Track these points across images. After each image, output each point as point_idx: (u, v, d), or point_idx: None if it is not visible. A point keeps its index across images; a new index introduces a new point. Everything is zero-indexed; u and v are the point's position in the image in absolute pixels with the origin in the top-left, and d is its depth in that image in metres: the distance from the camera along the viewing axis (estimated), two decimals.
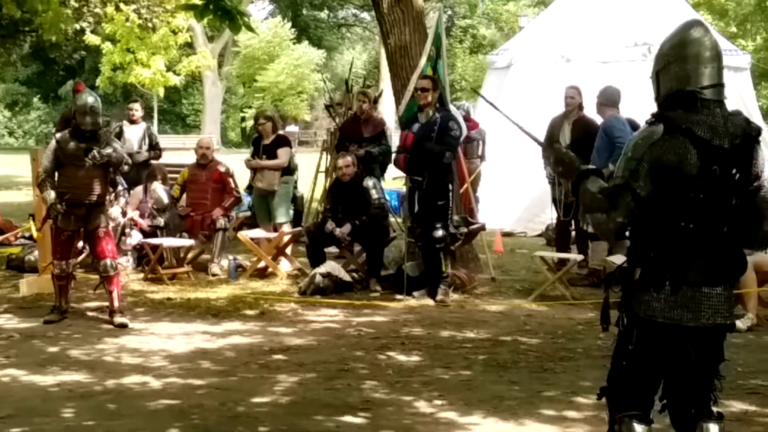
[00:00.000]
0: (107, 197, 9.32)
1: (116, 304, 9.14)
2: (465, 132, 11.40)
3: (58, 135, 9.37)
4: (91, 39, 31.57)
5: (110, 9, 30.25)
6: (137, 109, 13.96)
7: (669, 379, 4.36)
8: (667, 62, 4.27)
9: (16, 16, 24.65)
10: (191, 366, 7.55)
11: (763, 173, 4.31)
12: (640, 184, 4.11)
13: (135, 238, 12.37)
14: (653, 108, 4.29)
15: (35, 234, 11.46)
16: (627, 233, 4.28)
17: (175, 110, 62.87)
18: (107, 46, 32.15)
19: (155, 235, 12.23)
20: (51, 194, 9.08)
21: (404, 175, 11.31)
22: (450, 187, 10.49)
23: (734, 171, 4.15)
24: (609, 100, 11.41)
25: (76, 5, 29.08)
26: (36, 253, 11.56)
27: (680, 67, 4.21)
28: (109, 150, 9.08)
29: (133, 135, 13.61)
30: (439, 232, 10.33)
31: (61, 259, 9.25)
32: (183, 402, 6.59)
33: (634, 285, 4.24)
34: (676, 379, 4.35)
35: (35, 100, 62.07)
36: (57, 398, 6.66)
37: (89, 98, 9.15)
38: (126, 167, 9.41)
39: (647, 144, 4.13)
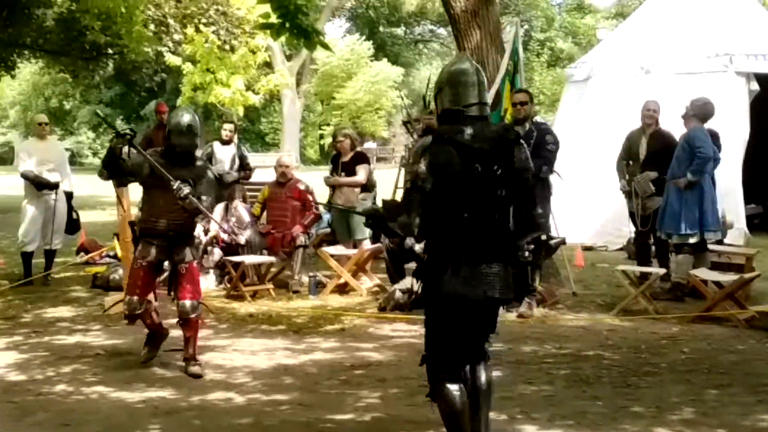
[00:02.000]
0: (195, 229, 8.39)
1: (191, 350, 8.00)
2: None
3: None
4: (171, 60, 32.00)
5: (190, 31, 30.70)
6: (230, 130, 14.16)
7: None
8: (440, 88, 5.35)
9: (99, 40, 25.14)
10: (274, 382, 7.61)
11: (531, 169, 5.37)
12: (423, 182, 5.08)
13: (216, 255, 12.52)
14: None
15: (119, 253, 11.64)
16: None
17: (255, 129, 63.46)
18: (187, 67, 32.54)
19: (237, 253, 12.36)
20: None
21: None
22: (545, 202, 10.42)
23: (495, 167, 5.12)
24: (701, 114, 11.20)
25: (156, 29, 29.62)
26: (120, 271, 11.73)
27: (449, 91, 5.29)
28: (205, 201, 7.88)
29: (225, 155, 13.80)
30: (531, 246, 10.23)
31: (134, 293, 8.00)
32: (267, 418, 6.65)
33: (428, 268, 5.24)
34: (460, 338, 5.34)
35: (118, 121, 63.19)
36: (143, 415, 6.75)
37: (186, 116, 8.01)
38: (204, 224, 8.60)
39: (421, 152, 5.17)
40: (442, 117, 5.35)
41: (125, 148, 7.73)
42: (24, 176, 12.71)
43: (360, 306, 11.16)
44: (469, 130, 5.15)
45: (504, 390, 7.33)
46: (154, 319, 8.30)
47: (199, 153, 8.28)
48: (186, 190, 7.62)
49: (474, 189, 5.10)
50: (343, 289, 12.03)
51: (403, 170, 14.13)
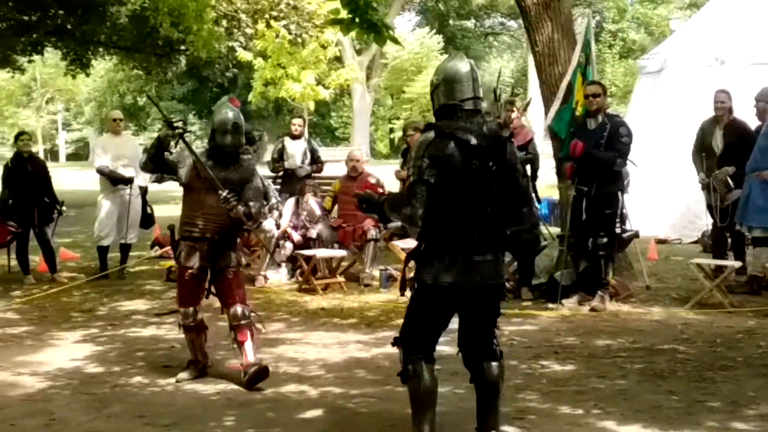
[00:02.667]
0: (240, 233, 7.84)
1: (251, 358, 7.42)
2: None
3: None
4: (243, 55, 32.22)
5: (261, 26, 30.88)
6: (300, 125, 14.27)
7: (460, 329, 5.67)
8: (436, 85, 5.57)
9: (172, 37, 25.40)
10: (347, 375, 7.64)
11: (521, 169, 5.60)
12: (428, 175, 5.26)
13: (288, 249, 12.59)
14: None
15: None
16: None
17: (325, 123, 63.72)
18: (258, 62, 32.72)
19: (308, 247, 12.43)
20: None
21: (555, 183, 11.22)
22: (619, 195, 10.35)
23: (491, 164, 5.33)
24: None
25: (227, 25, 29.87)
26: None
27: (445, 87, 5.52)
28: (253, 207, 7.45)
29: (296, 149, 13.92)
30: (604, 240, 10.19)
31: (186, 304, 7.63)
32: (339, 411, 6.68)
33: (423, 256, 5.44)
34: (465, 330, 5.65)
35: (191, 116, 63.77)
36: (217, 406, 6.82)
37: (229, 113, 7.58)
38: (254, 226, 8.03)
39: (424, 146, 5.33)
40: (439, 112, 5.55)
41: (173, 142, 7.56)
42: (99, 171, 12.90)
43: None
44: (467, 126, 5.38)
45: (577, 384, 7.29)
46: (203, 341, 7.76)
47: (246, 157, 7.72)
48: (234, 201, 7.27)
49: (470, 183, 5.33)
50: (411, 284, 12.02)
51: None
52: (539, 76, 12.22)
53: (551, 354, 8.31)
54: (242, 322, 7.47)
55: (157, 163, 7.56)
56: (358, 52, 49.12)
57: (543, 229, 12.75)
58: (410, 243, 12.50)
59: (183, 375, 7.60)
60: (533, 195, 13.08)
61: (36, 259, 13.39)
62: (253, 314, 7.57)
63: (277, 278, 12.62)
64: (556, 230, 13.47)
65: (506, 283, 11.17)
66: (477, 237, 5.36)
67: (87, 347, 8.87)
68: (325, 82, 34.77)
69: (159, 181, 9.04)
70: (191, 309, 7.61)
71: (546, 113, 11.78)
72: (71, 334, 9.47)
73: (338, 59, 39.80)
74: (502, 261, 5.58)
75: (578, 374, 7.62)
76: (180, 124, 7.57)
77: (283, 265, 12.76)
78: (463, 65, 5.58)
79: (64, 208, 13.20)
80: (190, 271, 7.47)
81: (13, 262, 13.10)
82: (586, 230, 10.34)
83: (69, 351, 8.71)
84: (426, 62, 59.47)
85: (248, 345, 7.44)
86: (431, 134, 5.39)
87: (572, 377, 7.55)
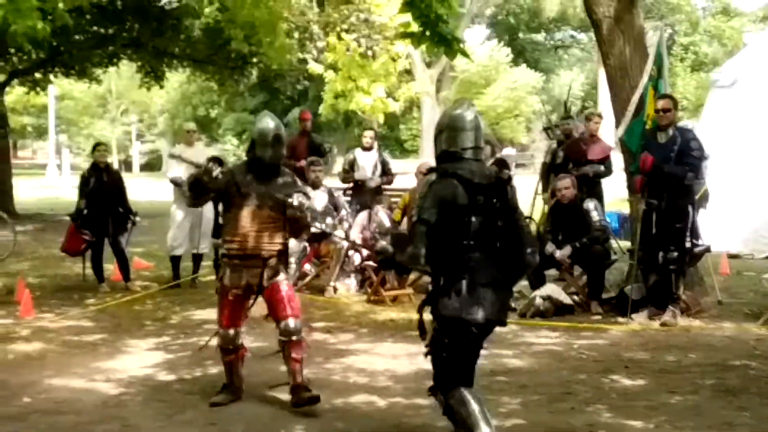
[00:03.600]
0: (287, 248, 7.42)
1: (299, 378, 7.12)
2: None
3: (230, 166, 7.51)
4: (313, 68, 32.42)
5: (332, 39, 31.04)
6: (371, 137, 14.34)
7: None
8: (440, 130, 5.71)
9: (244, 50, 25.62)
10: (416, 386, 7.62)
11: (521, 210, 5.70)
12: (428, 215, 5.40)
13: (357, 260, 12.63)
14: None
15: None
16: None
17: (394, 135, 63.81)
18: (329, 75, 32.91)
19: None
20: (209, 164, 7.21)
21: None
22: (689, 209, 10.24)
23: (495, 200, 5.49)
24: None
25: (299, 37, 30.04)
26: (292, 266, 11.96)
27: (449, 134, 5.66)
28: (309, 204, 7.26)
29: (367, 161, 13.99)
30: (675, 254, 10.09)
31: (227, 325, 7.26)
32: (408, 422, 6.69)
33: (439, 293, 5.48)
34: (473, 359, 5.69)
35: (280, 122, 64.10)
36: (287, 416, 6.85)
37: (271, 123, 7.29)
38: (304, 236, 7.89)
39: (427, 187, 5.53)
40: (440, 158, 5.70)
41: (215, 170, 7.18)
42: (173, 182, 13.05)
43: None
44: (469, 167, 5.54)
45: (647, 399, 7.23)
46: (241, 364, 7.45)
47: (287, 171, 7.51)
48: (299, 198, 7.09)
49: (477, 219, 5.45)
50: None
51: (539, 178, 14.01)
52: (611, 89, 12.14)
53: (621, 368, 8.24)
54: (294, 337, 7.11)
55: (198, 192, 7.38)
56: (428, 65, 49.13)
57: (613, 243, 12.65)
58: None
59: (217, 399, 7.26)
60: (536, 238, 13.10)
61: (110, 268, 13.58)
62: (305, 329, 7.32)
63: (346, 289, 12.67)
64: (626, 244, 13.37)
65: (575, 296, 11.20)
66: (490, 271, 5.45)
67: (159, 355, 8.98)
68: (395, 95, 34.87)
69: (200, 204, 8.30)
70: (232, 331, 7.27)
71: (617, 126, 11.69)
72: (144, 342, 9.59)
73: (408, 72, 39.90)
74: (508, 295, 5.77)
75: (648, 389, 7.55)
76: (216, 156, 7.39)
77: (353, 276, 12.81)
78: (468, 114, 5.69)
79: (138, 218, 13.35)
80: (234, 291, 7.18)
81: (88, 271, 13.29)
82: (657, 244, 10.24)
83: (142, 358, 8.83)
84: (495, 75, 59.33)
85: (299, 363, 7.14)
86: (433, 176, 5.59)
87: (642, 392, 7.48)
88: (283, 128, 7.41)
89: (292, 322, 7.12)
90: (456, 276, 5.42)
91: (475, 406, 5.48)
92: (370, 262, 12.25)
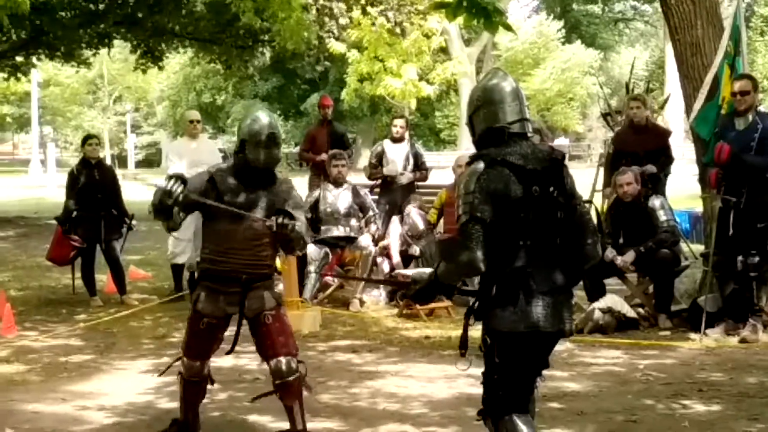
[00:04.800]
0: (274, 268, 7.16)
1: (299, 426, 6.88)
2: None
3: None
4: (335, 47, 32.41)
5: (356, 13, 31.05)
6: (402, 126, 14.32)
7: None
8: (476, 107, 5.51)
9: (255, 26, 25.67)
10: (455, 414, 7.63)
11: (579, 194, 5.56)
12: (481, 211, 5.17)
13: (386, 268, 12.64)
14: None
15: (279, 266, 11.87)
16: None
17: (428, 123, 63.89)
18: (353, 55, 32.92)
19: (410, 265, 12.46)
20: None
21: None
22: None
23: (551, 189, 5.32)
24: None
25: (318, 12, 30.08)
26: (280, 286, 11.97)
27: (488, 109, 5.44)
28: (298, 224, 6.68)
29: (397, 154, 13.98)
30: (756, 259, 10.05)
31: (194, 357, 6.98)
32: None
33: (492, 304, 5.33)
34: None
35: (276, 116, 64.31)
36: None
37: (264, 119, 6.92)
38: (299, 253, 7.70)
39: (474, 179, 5.25)
40: (482, 138, 5.49)
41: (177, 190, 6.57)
42: None
43: None
44: (519, 151, 5.33)
45: (725, 427, 7.21)
46: (200, 399, 7.23)
47: (281, 176, 7.11)
48: (288, 224, 6.58)
49: (534, 213, 5.28)
50: None
51: (602, 170, 13.95)
52: (680, 68, 12.09)
53: (694, 392, 8.21)
54: (288, 378, 6.80)
55: (169, 217, 6.74)
56: (467, 43, 49.14)
57: (683, 246, 12.60)
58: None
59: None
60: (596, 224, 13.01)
61: (103, 279, 13.65)
62: (301, 365, 6.92)
63: (375, 301, 12.68)
64: (699, 248, 13.30)
65: (640, 309, 11.16)
66: (551, 275, 5.32)
67: (159, 378, 8.99)
68: (429, 77, 34.84)
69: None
70: (198, 363, 6.97)
71: (687, 112, 11.64)
72: (141, 363, 9.63)
73: (444, 51, 39.88)
74: (572, 301, 5.57)
75: (726, 416, 7.52)
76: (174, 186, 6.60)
77: (382, 286, 12.82)
78: (506, 84, 5.51)
79: (134, 221, 13.41)
80: (206, 319, 6.85)
81: (78, 282, 13.36)
82: (735, 248, 10.19)
83: (139, 382, 8.86)
84: (544, 53, 59.37)
85: (297, 409, 6.88)
86: (480, 165, 5.32)
87: (719, 419, 7.44)
88: (279, 127, 7.11)
89: (283, 361, 6.80)
90: (512, 283, 5.26)
91: None
92: (403, 270, 12.25)
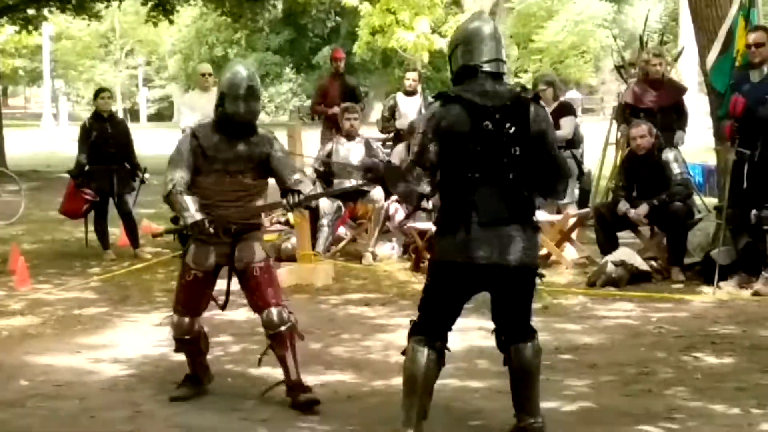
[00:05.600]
0: (266, 220, 7.19)
1: (293, 376, 6.87)
2: None
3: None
4: (347, 0, 32.30)
5: None
6: (414, 79, 14.30)
7: (491, 309, 5.91)
8: (455, 46, 5.76)
9: None
10: (467, 366, 7.65)
11: (553, 136, 5.79)
12: (426, 152, 5.52)
13: (400, 216, 12.59)
14: None
15: (292, 220, 11.88)
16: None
17: (440, 77, 63.58)
18: (365, 8, 32.78)
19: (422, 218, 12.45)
20: (191, 208, 6.66)
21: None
22: None
23: (508, 125, 5.48)
24: None
25: None
26: (293, 240, 11.99)
27: (464, 49, 5.68)
28: (302, 182, 6.88)
29: (410, 107, 13.97)
30: (765, 213, 10.03)
31: (184, 312, 7.00)
32: (459, 406, 6.71)
33: (437, 231, 5.70)
34: (494, 310, 5.88)
35: (287, 70, 64.10)
36: (321, 399, 6.85)
37: (243, 71, 6.89)
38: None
39: (426, 118, 5.64)
40: (457, 76, 5.72)
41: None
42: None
43: (566, 281, 11.10)
44: (478, 88, 5.56)
45: (737, 380, 7.20)
46: (203, 351, 7.26)
47: (261, 131, 6.99)
48: (295, 197, 6.76)
49: (484, 148, 5.48)
50: (545, 261, 11.95)
51: (615, 124, 13.90)
52: (694, 20, 12.03)
53: (707, 345, 8.22)
54: (281, 329, 6.81)
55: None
56: None
57: (697, 199, 12.58)
58: (542, 216, 12.45)
59: (178, 393, 7.08)
60: (579, 167, 12.97)
61: (116, 232, 13.68)
62: (292, 316, 6.92)
63: (388, 254, 12.69)
64: (712, 201, 13.28)
65: (653, 262, 11.14)
66: (497, 207, 5.50)
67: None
68: (441, 30, 34.72)
69: None
70: (187, 319, 6.97)
71: (702, 64, 11.59)
72: (155, 316, 9.64)
73: (456, 3, 39.76)
74: (533, 235, 5.68)
75: (738, 368, 7.52)
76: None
77: (394, 239, 12.82)
78: (485, 25, 5.73)
79: (146, 174, 13.44)
80: (194, 272, 6.93)
81: (91, 235, 13.40)
82: (749, 201, 10.17)
83: (153, 334, 8.89)
84: (557, 5, 58.92)
85: (290, 359, 6.87)
86: (436, 104, 5.66)
87: (731, 372, 7.45)
88: (258, 79, 7.06)
89: (274, 312, 6.83)
90: (457, 215, 5.51)
91: (420, 377, 5.72)
92: (415, 223, 12.23)
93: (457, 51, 5.73)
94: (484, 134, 5.46)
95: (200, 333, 7.14)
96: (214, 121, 6.92)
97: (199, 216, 6.60)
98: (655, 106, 12.26)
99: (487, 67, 5.61)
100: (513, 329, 5.86)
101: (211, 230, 6.62)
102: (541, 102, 5.84)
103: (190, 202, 6.65)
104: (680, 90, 13.03)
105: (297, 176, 6.90)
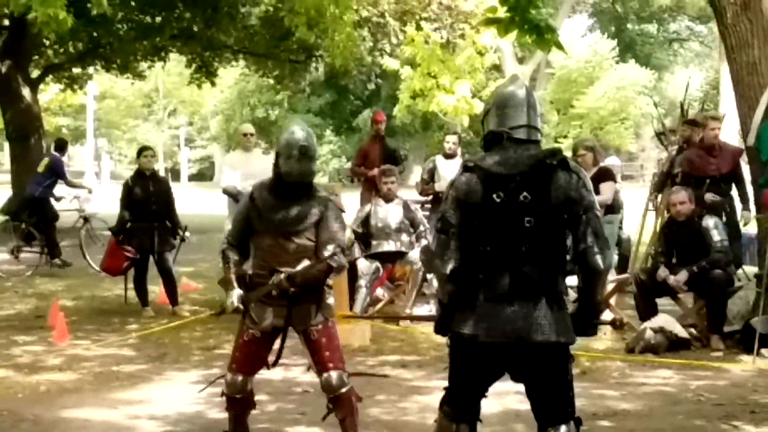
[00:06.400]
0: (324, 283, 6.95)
1: None
2: None
3: (249, 186, 7.36)
4: (388, 64, 32.50)
5: (409, 30, 31.09)
6: (454, 142, 14.38)
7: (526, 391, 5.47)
8: (487, 111, 5.54)
9: (309, 41, 25.76)
10: (503, 429, 7.62)
11: (586, 199, 5.21)
12: (446, 222, 5.31)
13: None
14: None
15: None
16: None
17: (480, 141, 63.63)
18: (406, 71, 32.96)
19: None
20: (234, 295, 6.86)
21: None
22: None
23: (523, 195, 5.17)
24: None
25: (371, 30, 30.14)
26: (331, 300, 11.95)
27: (495, 113, 5.44)
28: (336, 258, 6.78)
29: (449, 170, 13.99)
30: None
31: (238, 370, 6.98)
32: None
33: (450, 305, 5.39)
34: (527, 392, 5.46)
35: (328, 132, 64.48)
36: None
37: (299, 133, 6.91)
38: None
39: (448, 187, 5.46)
40: (486, 142, 5.50)
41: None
42: (226, 192, 13.19)
43: (604, 346, 11.04)
44: (501, 155, 5.32)
45: None
46: (249, 410, 7.25)
47: (322, 194, 6.99)
48: (341, 259, 6.81)
49: (495, 219, 5.22)
50: None
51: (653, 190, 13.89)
52: (736, 88, 12.00)
53: (746, 414, 8.15)
54: (341, 391, 6.82)
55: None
56: (521, 61, 48.91)
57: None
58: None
59: None
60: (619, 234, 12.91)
61: (155, 290, 13.73)
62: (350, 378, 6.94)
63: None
64: (752, 269, 13.20)
65: (692, 329, 11.07)
66: (505, 282, 5.17)
67: (209, 389, 9.03)
68: (482, 95, 34.79)
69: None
70: (241, 378, 6.95)
71: (743, 133, 11.57)
72: (192, 374, 9.69)
73: (497, 68, 39.87)
74: (558, 311, 5.21)
75: None
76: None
77: (432, 301, 12.80)
78: (519, 90, 5.47)
79: (187, 233, 13.51)
80: (252, 331, 6.89)
81: (130, 292, 13.47)
82: None
83: (189, 392, 8.88)
84: (598, 72, 59.12)
85: (350, 421, 6.89)
86: (460, 172, 5.44)
87: None
88: (314, 140, 7.03)
89: (333, 376, 6.82)
90: (465, 289, 5.27)
91: None
92: None
93: (489, 116, 5.50)
94: (494, 205, 5.20)
95: (251, 395, 7.12)
96: (271, 182, 6.94)
97: (238, 303, 6.79)
98: (717, 173, 12.26)
99: (515, 134, 5.32)
100: (546, 412, 5.39)
101: (241, 308, 6.83)
102: (574, 166, 5.34)
103: (234, 282, 6.87)
104: (737, 152, 12.88)
105: (332, 248, 6.76)
